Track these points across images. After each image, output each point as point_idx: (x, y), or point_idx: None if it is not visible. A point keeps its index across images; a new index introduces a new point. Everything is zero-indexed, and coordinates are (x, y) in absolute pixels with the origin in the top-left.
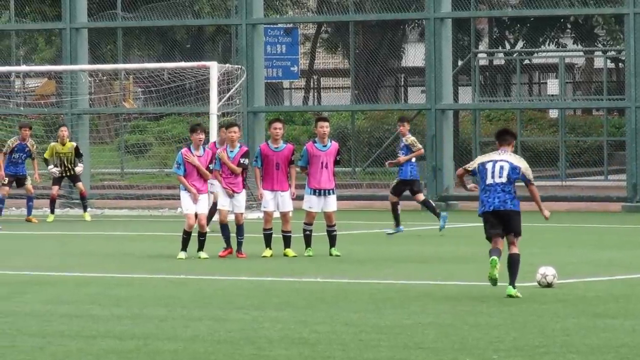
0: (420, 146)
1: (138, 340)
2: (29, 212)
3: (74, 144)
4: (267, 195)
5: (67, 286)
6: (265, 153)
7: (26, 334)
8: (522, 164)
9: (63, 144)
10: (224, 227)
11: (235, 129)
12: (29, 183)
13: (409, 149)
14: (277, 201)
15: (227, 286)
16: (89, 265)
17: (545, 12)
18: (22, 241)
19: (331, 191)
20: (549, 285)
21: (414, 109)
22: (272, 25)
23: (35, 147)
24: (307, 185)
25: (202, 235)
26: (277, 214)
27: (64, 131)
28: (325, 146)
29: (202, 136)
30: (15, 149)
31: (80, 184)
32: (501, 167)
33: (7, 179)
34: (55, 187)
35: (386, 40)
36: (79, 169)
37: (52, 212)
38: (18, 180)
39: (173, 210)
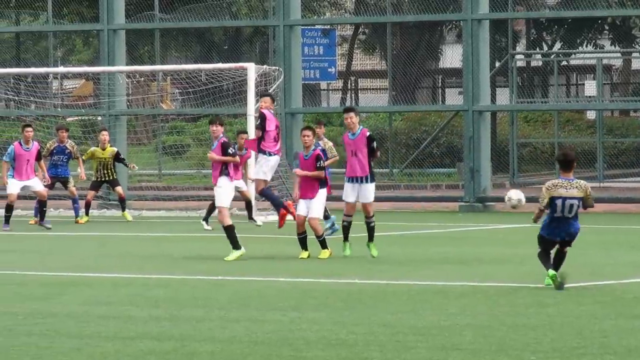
0: (336, 153)
1: (175, 342)
2: (77, 214)
3: (115, 149)
4: (301, 201)
5: (105, 287)
6: (300, 160)
7: (64, 335)
8: (586, 191)
9: (103, 149)
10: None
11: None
12: (71, 185)
13: (325, 154)
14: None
15: (264, 287)
16: (126, 266)
17: (582, 14)
18: (60, 242)
19: (365, 179)
20: (514, 207)
21: (452, 110)
22: (309, 27)
23: (75, 147)
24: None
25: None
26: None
27: (105, 135)
28: (354, 134)
29: (216, 128)
30: (55, 151)
31: (119, 188)
32: (571, 206)
33: (49, 180)
34: (92, 193)
35: (424, 41)
36: (134, 167)
37: (87, 214)
38: (60, 181)
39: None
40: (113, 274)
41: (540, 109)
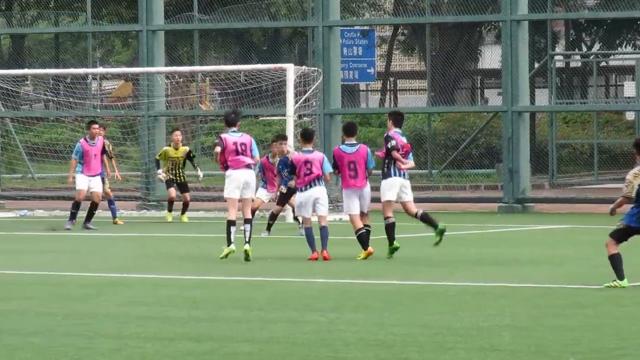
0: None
1: (214, 342)
2: (114, 215)
3: (187, 148)
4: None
5: (144, 288)
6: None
7: (103, 335)
8: None
9: (176, 148)
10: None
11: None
12: (107, 187)
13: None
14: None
15: (302, 288)
16: (165, 267)
17: (622, 14)
18: (98, 243)
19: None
20: None
21: (491, 111)
22: (348, 28)
23: (111, 147)
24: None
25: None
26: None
27: (178, 135)
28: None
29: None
30: None
31: (187, 195)
32: None
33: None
34: (172, 190)
35: (463, 42)
36: (200, 174)
37: (170, 210)
38: None
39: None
40: (152, 274)
41: (579, 110)
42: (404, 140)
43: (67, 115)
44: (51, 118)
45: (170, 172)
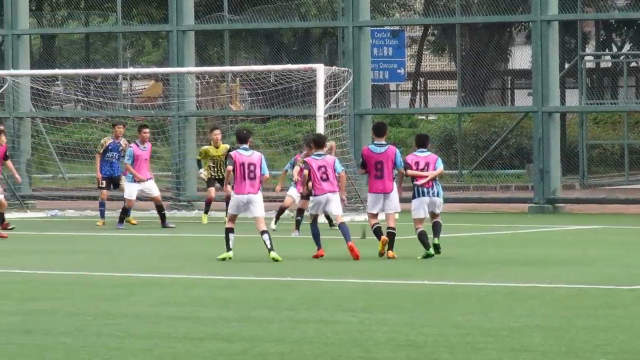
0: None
1: (245, 343)
2: (128, 214)
3: (228, 146)
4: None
5: (175, 288)
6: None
7: (134, 335)
8: None
9: (217, 147)
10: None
11: None
12: (123, 183)
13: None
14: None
15: (333, 288)
16: (196, 267)
17: None
18: (129, 243)
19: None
20: None
21: (521, 112)
22: (378, 28)
23: (127, 145)
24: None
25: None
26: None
27: (218, 134)
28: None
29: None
30: (109, 147)
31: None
32: None
33: (104, 182)
34: (212, 189)
35: (493, 42)
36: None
37: (207, 212)
38: (113, 181)
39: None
40: (183, 274)
41: (609, 111)
42: (421, 156)
43: (98, 115)
44: (81, 118)
45: (212, 170)
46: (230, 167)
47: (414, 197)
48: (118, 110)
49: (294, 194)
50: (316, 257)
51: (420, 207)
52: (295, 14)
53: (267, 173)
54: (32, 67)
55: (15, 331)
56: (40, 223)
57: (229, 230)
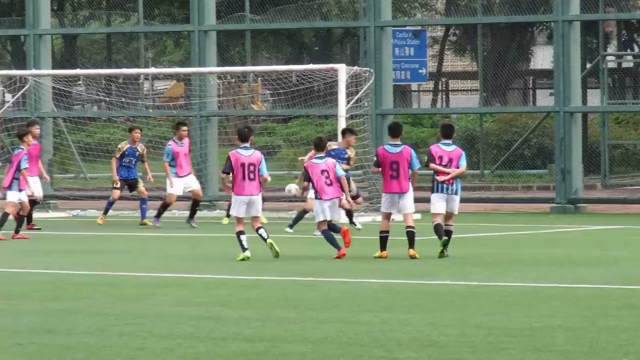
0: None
1: (267, 343)
2: (144, 216)
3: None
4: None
5: (196, 288)
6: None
7: (156, 335)
8: None
9: None
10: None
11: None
12: (141, 185)
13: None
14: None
15: (355, 288)
16: (218, 267)
17: None
18: (151, 243)
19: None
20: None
21: (543, 112)
22: (400, 28)
23: (145, 150)
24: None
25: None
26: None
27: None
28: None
29: None
30: (126, 152)
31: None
32: None
33: (119, 182)
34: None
35: (514, 42)
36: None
37: (229, 215)
38: (129, 184)
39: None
40: (205, 274)
41: (631, 111)
42: (445, 149)
43: (120, 115)
44: (103, 118)
45: None
46: (223, 176)
47: (432, 191)
48: (140, 111)
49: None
50: (338, 257)
51: (438, 202)
52: (317, 14)
53: (265, 174)
54: (53, 67)
55: (37, 331)
56: (62, 223)
57: (240, 233)
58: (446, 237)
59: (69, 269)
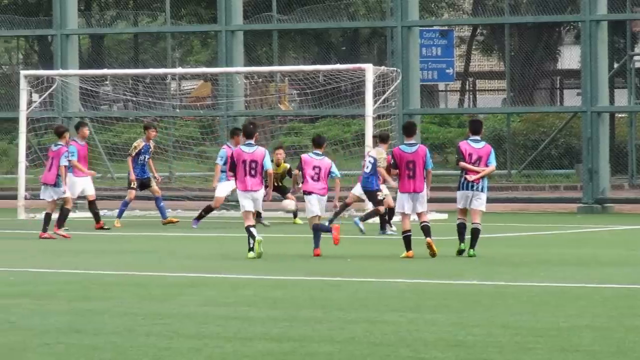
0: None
1: (294, 343)
2: (164, 214)
3: (288, 166)
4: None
5: (223, 288)
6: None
7: (183, 335)
8: None
9: (278, 165)
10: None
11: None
12: (154, 184)
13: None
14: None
15: (382, 288)
16: (245, 268)
17: None
18: (178, 243)
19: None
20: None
21: (570, 112)
22: (427, 28)
23: (153, 147)
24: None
25: None
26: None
27: (281, 154)
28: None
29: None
30: (142, 150)
31: (291, 195)
32: None
33: (135, 182)
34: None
35: (542, 42)
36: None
37: (296, 216)
38: (142, 184)
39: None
40: (231, 274)
41: None
42: (474, 147)
43: (147, 115)
44: (130, 118)
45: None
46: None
47: (459, 188)
48: (167, 110)
49: (357, 191)
50: (315, 255)
51: (463, 199)
52: (344, 14)
53: (268, 167)
54: (81, 67)
55: (64, 331)
56: (90, 222)
57: (250, 227)
58: (471, 238)
59: (96, 269)
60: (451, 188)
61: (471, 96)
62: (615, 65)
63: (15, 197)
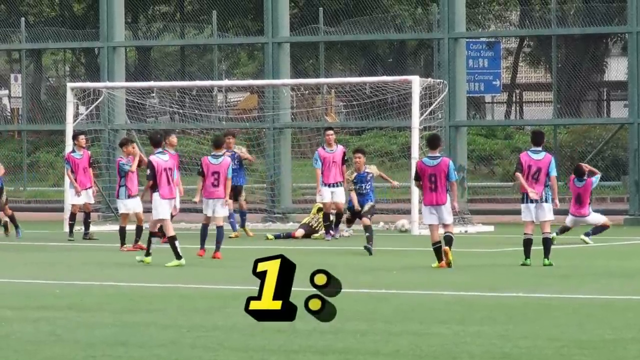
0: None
1: (339, 355)
2: (235, 228)
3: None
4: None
5: None
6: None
7: (228, 348)
8: None
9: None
10: None
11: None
12: (242, 198)
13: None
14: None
15: (427, 300)
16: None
17: None
18: (223, 255)
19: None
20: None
21: (617, 123)
22: (474, 39)
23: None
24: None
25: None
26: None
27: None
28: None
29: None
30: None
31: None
32: None
33: None
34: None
35: (589, 54)
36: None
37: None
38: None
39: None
40: None
41: None
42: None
43: (193, 127)
44: (177, 130)
45: None
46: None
47: (522, 201)
48: (213, 123)
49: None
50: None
51: (527, 212)
52: (391, 26)
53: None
54: (127, 79)
55: (110, 343)
56: (133, 235)
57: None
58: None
59: (141, 281)
60: (498, 200)
61: (518, 108)
62: None
63: (61, 210)
